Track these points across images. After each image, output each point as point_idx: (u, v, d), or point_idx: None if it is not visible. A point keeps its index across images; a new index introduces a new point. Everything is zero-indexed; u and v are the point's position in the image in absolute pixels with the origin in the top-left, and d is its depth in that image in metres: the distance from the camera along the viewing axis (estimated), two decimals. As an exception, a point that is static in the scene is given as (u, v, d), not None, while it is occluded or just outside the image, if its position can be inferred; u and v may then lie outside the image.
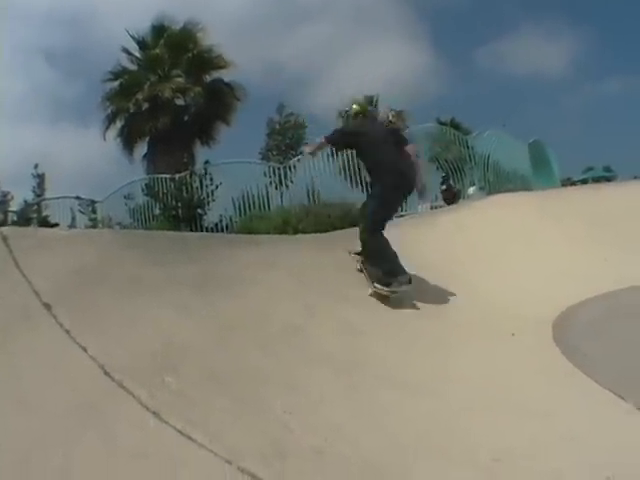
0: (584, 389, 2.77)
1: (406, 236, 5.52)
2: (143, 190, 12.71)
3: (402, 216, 8.04)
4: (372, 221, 4.36)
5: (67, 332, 2.45)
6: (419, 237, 5.55)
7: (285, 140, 16.53)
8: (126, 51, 17.37)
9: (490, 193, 10.00)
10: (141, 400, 2.07)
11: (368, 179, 4.99)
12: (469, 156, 12.72)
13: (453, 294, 4.51)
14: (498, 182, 11.43)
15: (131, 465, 1.79)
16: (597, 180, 22.64)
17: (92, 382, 2.18)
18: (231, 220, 11.91)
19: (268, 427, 2.14)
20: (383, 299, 4.14)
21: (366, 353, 3.20)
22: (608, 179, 25.49)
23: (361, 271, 4.50)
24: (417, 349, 3.38)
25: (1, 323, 2.49)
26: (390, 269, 4.18)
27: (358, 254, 4.60)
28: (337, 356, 3.07)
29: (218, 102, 17.29)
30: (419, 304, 4.21)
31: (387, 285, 4.11)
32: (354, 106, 5.23)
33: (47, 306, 2.62)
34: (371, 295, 4.17)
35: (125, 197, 13.05)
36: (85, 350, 2.34)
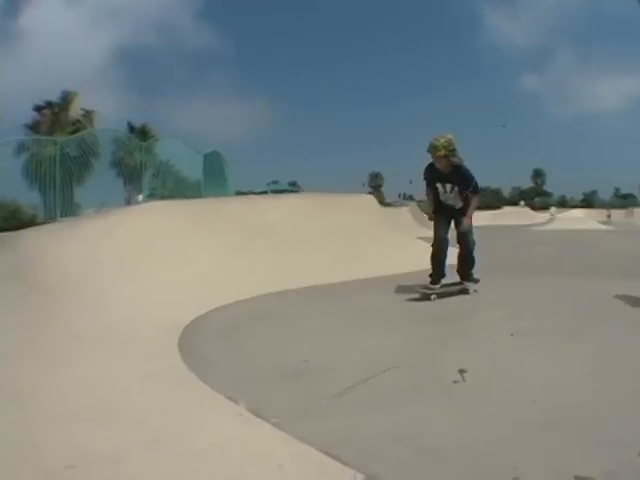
0: (194, 393, 2.80)
1: (48, 245, 5.49)
2: None
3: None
4: None
5: None
6: (60, 246, 5.42)
7: None
8: None
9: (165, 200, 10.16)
10: None
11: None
12: (141, 163, 12.88)
13: (83, 304, 4.53)
14: (177, 189, 11.98)
15: None
16: (281, 192, 23.08)
17: None
18: None
19: None
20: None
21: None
22: (293, 192, 27.82)
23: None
24: (32, 359, 3.38)
25: None
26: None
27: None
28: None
29: None
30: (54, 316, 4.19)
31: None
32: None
33: None
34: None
35: None
36: None
